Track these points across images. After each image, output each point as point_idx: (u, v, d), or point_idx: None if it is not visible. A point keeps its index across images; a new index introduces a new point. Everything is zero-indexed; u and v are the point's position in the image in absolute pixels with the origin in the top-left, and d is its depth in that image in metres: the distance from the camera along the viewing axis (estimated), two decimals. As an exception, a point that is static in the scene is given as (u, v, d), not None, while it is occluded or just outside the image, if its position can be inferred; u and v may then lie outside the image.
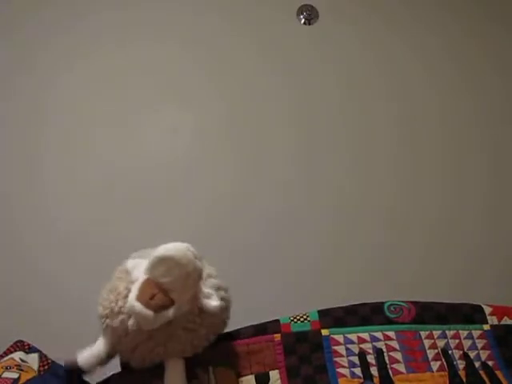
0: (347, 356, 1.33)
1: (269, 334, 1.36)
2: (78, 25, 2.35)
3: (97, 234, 2.05)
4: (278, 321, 1.39)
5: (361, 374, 1.30)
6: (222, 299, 1.28)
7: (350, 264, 2.07)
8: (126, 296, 1.19)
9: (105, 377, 1.32)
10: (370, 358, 1.32)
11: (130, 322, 1.18)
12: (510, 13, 2.50)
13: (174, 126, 2.28)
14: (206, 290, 1.26)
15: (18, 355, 1.28)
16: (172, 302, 1.18)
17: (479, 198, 2.19)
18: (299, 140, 2.26)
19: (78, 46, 2.32)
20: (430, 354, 1.34)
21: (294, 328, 1.37)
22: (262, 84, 2.34)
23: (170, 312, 1.17)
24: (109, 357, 1.26)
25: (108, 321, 1.22)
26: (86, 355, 1.23)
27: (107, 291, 1.26)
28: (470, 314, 1.43)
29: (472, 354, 1.35)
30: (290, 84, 2.34)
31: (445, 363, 1.32)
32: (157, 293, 1.16)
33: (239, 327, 1.38)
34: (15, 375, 1.18)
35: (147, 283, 1.17)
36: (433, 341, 1.36)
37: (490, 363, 1.33)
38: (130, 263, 1.29)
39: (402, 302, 1.44)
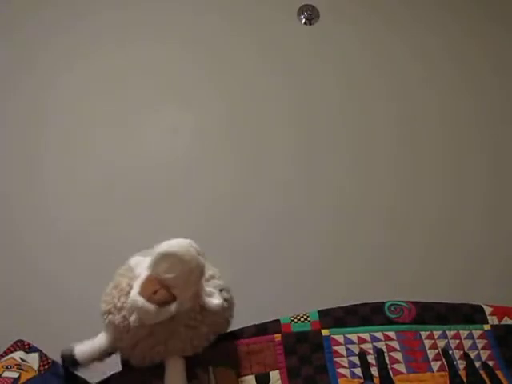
0: (347, 356, 1.33)
1: (269, 334, 1.36)
2: (78, 25, 2.35)
3: (97, 234, 2.05)
4: (278, 321, 1.39)
5: (361, 375, 1.30)
6: (225, 300, 1.28)
7: (350, 264, 2.07)
8: (129, 292, 1.19)
9: (105, 376, 1.32)
10: (371, 359, 1.32)
11: (132, 318, 1.18)
12: (510, 13, 2.51)
13: (174, 126, 2.28)
14: (208, 288, 1.26)
15: (18, 355, 1.27)
16: (174, 298, 1.18)
17: (479, 198, 2.19)
18: (299, 140, 2.26)
19: (78, 46, 2.33)
20: (431, 354, 1.34)
21: (295, 328, 1.37)
22: (262, 84, 2.34)
23: (173, 307, 1.17)
24: (108, 353, 1.27)
25: (110, 317, 1.22)
26: (83, 347, 1.24)
27: (110, 288, 1.26)
28: (470, 314, 1.42)
29: (472, 354, 1.35)
30: (289, 84, 2.34)
31: (445, 363, 1.32)
32: (159, 288, 1.16)
33: (239, 327, 1.38)
34: (15, 374, 1.18)
35: (150, 279, 1.18)
36: (433, 341, 1.36)
37: (491, 363, 1.33)
38: (132, 261, 1.29)
39: (403, 302, 1.44)
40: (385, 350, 1.34)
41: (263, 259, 2.05)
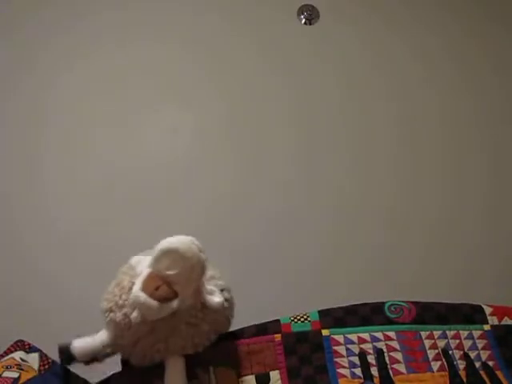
0: (347, 356, 1.33)
1: (269, 334, 1.36)
2: (78, 25, 2.35)
3: (97, 234, 2.05)
4: (278, 321, 1.39)
5: (361, 375, 1.30)
6: (225, 300, 1.28)
7: (350, 264, 2.07)
8: (130, 289, 1.19)
9: (105, 376, 1.32)
10: (371, 359, 1.32)
11: (134, 315, 1.18)
12: (510, 13, 2.51)
13: (174, 126, 2.28)
14: (209, 286, 1.26)
15: (18, 355, 1.27)
16: (176, 295, 1.18)
17: (479, 198, 2.19)
18: (299, 140, 2.26)
19: (78, 46, 2.33)
20: (431, 354, 1.34)
21: (295, 328, 1.37)
22: (262, 84, 2.34)
23: (174, 303, 1.17)
24: (108, 354, 1.26)
25: (111, 314, 1.22)
26: (82, 343, 1.24)
27: (112, 286, 1.26)
28: (470, 314, 1.42)
29: (472, 354, 1.35)
30: (289, 84, 2.34)
31: (445, 363, 1.32)
32: (161, 284, 1.16)
33: (240, 327, 1.38)
34: (15, 374, 1.18)
35: (151, 276, 1.18)
36: (433, 341, 1.36)
37: (491, 363, 1.33)
38: (134, 259, 1.29)
39: (403, 302, 1.44)
40: (385, 350, 1.34)
41: (263, 259, 2.05)
